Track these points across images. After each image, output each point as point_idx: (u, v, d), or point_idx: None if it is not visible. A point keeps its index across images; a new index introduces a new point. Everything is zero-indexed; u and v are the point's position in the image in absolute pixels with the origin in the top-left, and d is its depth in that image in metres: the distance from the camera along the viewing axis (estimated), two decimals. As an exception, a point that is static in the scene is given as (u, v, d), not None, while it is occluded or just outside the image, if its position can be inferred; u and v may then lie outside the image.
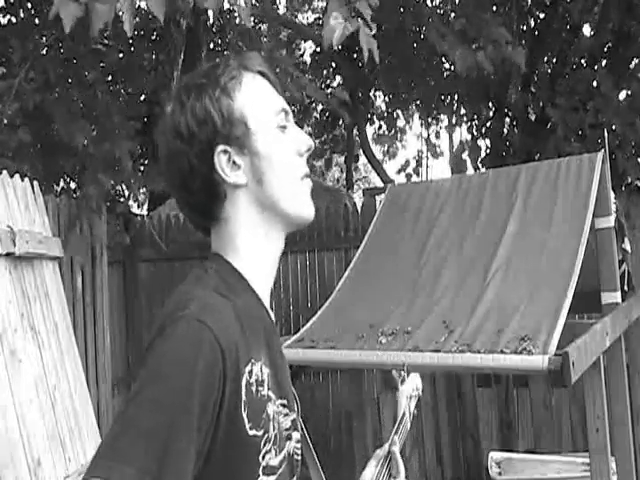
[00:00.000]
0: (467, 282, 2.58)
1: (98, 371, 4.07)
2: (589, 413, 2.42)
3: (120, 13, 2.27)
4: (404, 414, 1.35)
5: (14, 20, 4.61)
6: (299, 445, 0.96)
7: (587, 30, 5.56)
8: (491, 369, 2.39)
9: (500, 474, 3.79)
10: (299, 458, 0.97)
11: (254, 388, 0.83)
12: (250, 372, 0.83)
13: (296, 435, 0.96)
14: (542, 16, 5.58)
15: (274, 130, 0.95)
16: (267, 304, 0.95)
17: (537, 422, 4.31)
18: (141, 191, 4.60)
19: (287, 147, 0.95)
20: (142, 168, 4.48)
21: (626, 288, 2.97)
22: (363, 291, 2.83)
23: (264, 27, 7.65)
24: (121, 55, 4.59)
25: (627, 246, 3.15)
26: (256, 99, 0.95)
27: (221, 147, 0.91)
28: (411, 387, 1.42)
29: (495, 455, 3.89)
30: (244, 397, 0.81)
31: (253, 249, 0.93)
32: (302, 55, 7.72)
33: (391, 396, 4.47)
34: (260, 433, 0.83)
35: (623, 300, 2.79)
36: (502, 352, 2.14)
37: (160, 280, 4.85)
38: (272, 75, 0.99)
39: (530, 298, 2.35)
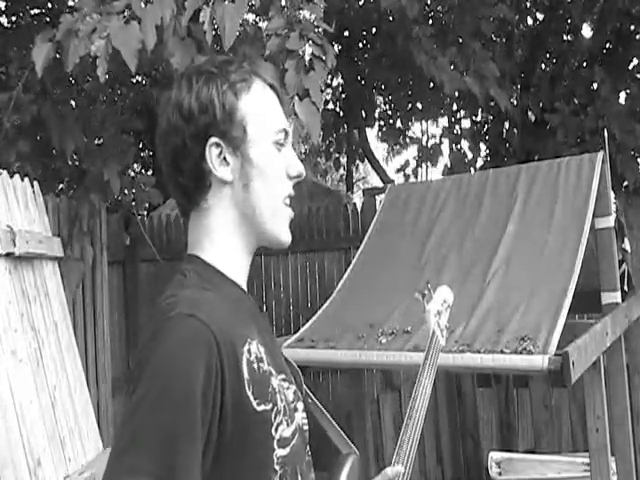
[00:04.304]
0: (467, 282, 2.58)
1: (98, 371, 4.07)
2: (589, 413, 2.42)
3: (95, 56, 2.27)
4: (434, 332, 1.37)
5: (14, 25, 4.62)
6: (305, 415, 0.98)
7: (587, 31, 5.56)
8: (491, 369, 2.39)
9: (500, 474, 3.79)
10: (307, 428, 0.98)
11: (255, 365, 0.85)
12: (249, 351, 0.85)
13: (300, 405, 0.97)
14: (541, 17, 5.58)
15: (270, 145, 0.96)
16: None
17: (537, 422, 4.31)
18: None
19: (279, 166, 0.96)
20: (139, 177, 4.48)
21: (626, 288, 2.97)
22: (363, 291, 2.83)
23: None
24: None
25: (627, 246, 3.15)
26: (261, 109, 0.95)
27: (215, 139, 0.92)
28: (439, 302, 1.41)
29: (495, 455, 3.89)
30: (247, 376, 0.83)
31: (227, 245, 0.95)
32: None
33: (391, 396, 4.47)
34: (269, 407, 0.85)
35: (623, 300, 2.79)
36: (502, 352, 2.14)
37: (160, 280, 4.84)
38: (281, 92, 1.00)
39: (530, 298, 2.35)
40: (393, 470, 1.18)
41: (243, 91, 0.94)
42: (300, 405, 0.97)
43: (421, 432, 1.27)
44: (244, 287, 0.97)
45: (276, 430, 0.86)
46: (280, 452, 0.86)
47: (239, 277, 0.96)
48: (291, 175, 0.97)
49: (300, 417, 0.95)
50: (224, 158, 0.92)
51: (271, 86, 0.98)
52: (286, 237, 0.98)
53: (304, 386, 1.05)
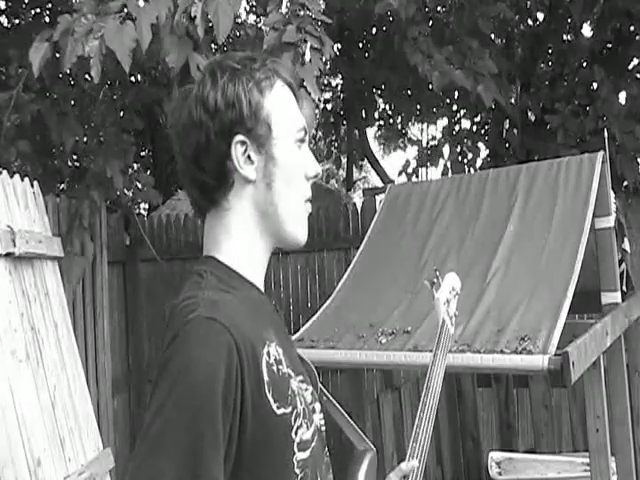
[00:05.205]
0: (467, 282, 2.57)
1: (98, 371, 4.07)
2: (589, 413, 2.42)
3: (89, 57, 2.26)
4: (444, 321, 1.35)
5: (14, 26, 4.62)
6: (322, 415, 0.98)
7: (587, 31, 5.56)
8: (491, 369, 2.38)
9: (500, 474, 3.79)
10: (324, 429, 0.98)
11: (275, 367, 0.84)
12: (268, 353, 0.84)
13: (318, 406, 0.97)
14: (541, 17, 5.58)
15: (293, 144, 0.95)
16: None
17: (537, 422, 4.31)
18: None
19: (300, 165, 0.96)
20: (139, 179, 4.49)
21: (625, 288, 2.97)
22: (363, 291, 2.83)
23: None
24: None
25: (627, 246, 3.15)
26: (284, 107, 0.95)
27: (240, 137, 0.91)
28: (447, 290, 1.39)
29: (495, 455, 3.89)
30: (266, 378, 0.82)
31: (246, 245, 0.94)
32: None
33: (391, 396, 4.47)
34: (289, 410, 0.85)
35: (623, 300, 2.79)
36: (502, 352, 2.14)
37: (160, 280, 4.85)
38: (297, 91, 1.00)
39: (530, 298, 2.35)
40: (408, 465, 1.17)
41: (267, 89, 0.93)
42: (317, 406, 0.97)
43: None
44: (261, 288, 0.96)
45: (296, 433, 0.85)
46: (300, 455, 0.85)
47: (256, 278, 0.95)
48: (309, 175, 0.97)
49: (318, 418, 0.95)
50: (248, 156, 0.92)
51: (289, 85, 0.98)
52: (303, 237, 0.97)
53: (319, 384, 1.04)
